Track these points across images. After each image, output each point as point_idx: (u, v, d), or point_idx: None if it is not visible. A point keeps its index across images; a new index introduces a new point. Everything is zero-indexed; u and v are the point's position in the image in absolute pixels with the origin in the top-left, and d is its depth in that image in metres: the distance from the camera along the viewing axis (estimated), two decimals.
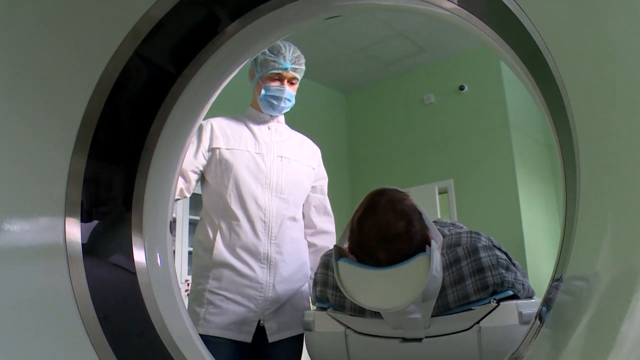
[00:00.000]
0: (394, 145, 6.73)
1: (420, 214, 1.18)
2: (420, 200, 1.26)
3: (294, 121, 2.03)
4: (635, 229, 0.48)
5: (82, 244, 0.99)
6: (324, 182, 1.99)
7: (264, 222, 1.70)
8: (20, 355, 0.83)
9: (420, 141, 6.47)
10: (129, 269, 1.11)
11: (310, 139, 2.02)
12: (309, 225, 1.93)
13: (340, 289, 1.16)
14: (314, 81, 6.73)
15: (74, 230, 0.98)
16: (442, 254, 1.27)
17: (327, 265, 1.45)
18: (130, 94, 1.12)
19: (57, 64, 0.93)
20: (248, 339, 1.64)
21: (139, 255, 1.14)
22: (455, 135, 6.14)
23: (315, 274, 1.51)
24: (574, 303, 0.67)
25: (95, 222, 1.05)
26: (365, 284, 1.15)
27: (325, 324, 1.45)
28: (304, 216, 1.92)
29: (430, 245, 1.13)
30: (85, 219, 1.00)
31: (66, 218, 0.97)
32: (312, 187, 1.93)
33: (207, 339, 1.53)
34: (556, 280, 0.86)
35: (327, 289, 1.44)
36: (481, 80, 5.95)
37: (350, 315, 1.40)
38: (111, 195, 1.12)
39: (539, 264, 5.35)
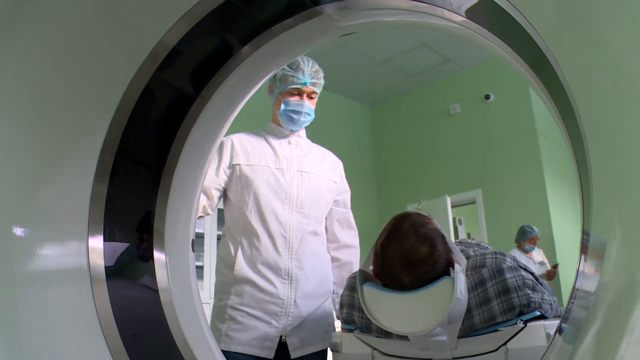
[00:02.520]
0: (421, 157, 6.70)
1: (443, 237, 1.19)
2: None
3: (320, 135, 2.04)
4: (637, 240, 0.48)
5: (105, 266, 1.01)
6: (346, 195, 1.98)
7: (285, 237, 1.71)
8: None
9: (446, 152, 6.44)
10: (152, 289, 1.14)
11: (333, 152, 2.02)
12: (332, 239, 1.93)
13: (366, 313, 1.17)
14: (338, 94, 6.77)
15: (97, 253, 1.01)
16: (467, 276, 1.27)
17: (353, 287, 1.47)
18: (149, 116, 1.15)
19: (78, 92, 0.96)
20: (270, 354, 1.65)
21: (161, 275, 1.16)
22: (482, 145, 6.08)
23: (342, 296, 1.53)
24: (586, 314, 0.66)
25: (118, 243, 1.08)
26: (390, 308, 1.16)
27: (352, 345, 1.47)
28: (327, 230, 1.92)
29: (454, 268, 1.13)
30: (108, 240, 1.03)
31: (89, 240, 0.99)
32: (335, 200, 1.93)
33: (229, 355, 1.55)
34: (574, 292, 0.86)
35: (354, 311, 1.45)
36: (507, 88, 5.90)
37: (377, 337, 1.41)
38: (133, 217, 1.14)
39: (572, 274, 5.23)
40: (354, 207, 2.05)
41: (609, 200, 0.59)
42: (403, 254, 1.13)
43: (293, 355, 1.67)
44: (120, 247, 1.09)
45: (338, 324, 2.17)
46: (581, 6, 0.60)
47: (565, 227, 5.55)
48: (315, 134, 1.96)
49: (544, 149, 5.65)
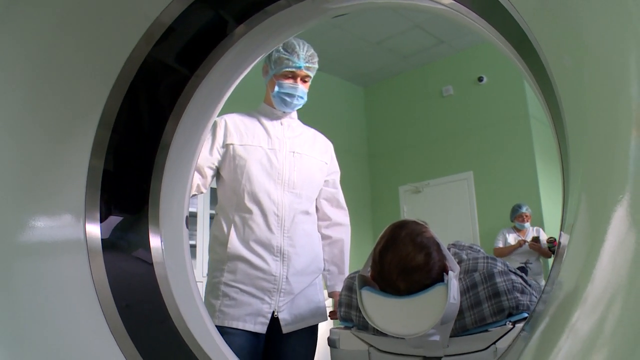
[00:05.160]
0: (413, 138, 6.72)
1: (438, 245, 1.25)
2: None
3: (313, 115, 2.05)
4: (597, 215, 0.51)
5: (102, 239, 1.04)
6: (336, 175, 2.02)
7: (277, 215, 1.74)
8: (44, 342, 0.88)
9: (439, 133, 6.46)
10: (147, 262, 1.17)
11: (327, 132, 2.04)
12: (323, 217, 1.96)
13: (364, 315, 1.23)
14: (332, 75, 6.75)
15: (94, 226, 1.04)
16: (459, 279, 1.34)
17: (350, 288, 1.53)
18: (145, 94, 1.17)
19: (75, 69, 0.98)
20: (263, 330, 1.69)
21: (155, 249, 1.19)
22: (474, 127, 6.10)
23: (340, 295, 1.59)
24: (544, 307, 0.70)
25: (114, 217, 1.11)
26: (386, 312, 1.22)
27: (349, 342, 1.54)
28: (317, 209, 1.95)
29: (447, 275, 1.19)
30: (104, 215, 1.06)
31: (86, 214, 1.02)
32: (325, 181, 1.96)
33: (223, 330, 1.59)
34: (544, 288, 0.91)
35: (351, 310, 1.52)
36: (500, 71, 5.90)
37: (373, 334, 1.47)
38: (129, 192, 1.17)
39: None
40: (347, 187, 2.07)
41: (582, 180, 0.62)
42: (400, 262, 1.19)
43: (285, 330, 1.71)
44: (116, 220, 1.12)
45: (329, 302, 2.22)
46: None
47: (555, 209, 5.61)
48: (309, 114, 1.97)
49: (535, 132, 5.69)
